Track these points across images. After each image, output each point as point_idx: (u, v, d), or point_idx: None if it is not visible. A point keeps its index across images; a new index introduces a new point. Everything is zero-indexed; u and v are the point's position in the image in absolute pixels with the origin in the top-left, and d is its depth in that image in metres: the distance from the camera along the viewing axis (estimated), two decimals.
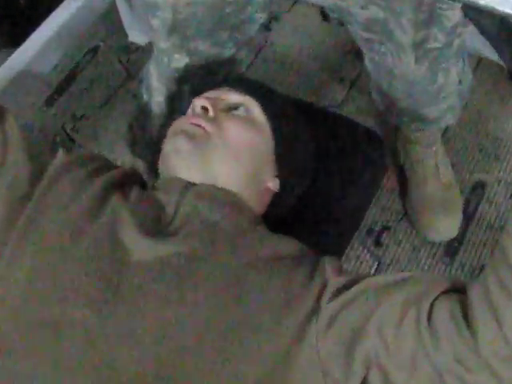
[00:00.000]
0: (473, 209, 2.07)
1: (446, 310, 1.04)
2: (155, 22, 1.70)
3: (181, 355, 1.10)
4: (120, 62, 2.43)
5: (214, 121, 1.31)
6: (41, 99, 2.30)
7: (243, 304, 1.14)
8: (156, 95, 1.90)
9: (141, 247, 1.19)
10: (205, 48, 1.65)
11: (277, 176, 1.38)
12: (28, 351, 1.11)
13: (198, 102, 1.34)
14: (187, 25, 1.64)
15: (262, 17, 1.64)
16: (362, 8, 1.57)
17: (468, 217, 2.05)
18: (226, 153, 1.31)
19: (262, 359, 1.11)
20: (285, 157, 1.39)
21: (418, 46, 1.62)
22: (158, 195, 1.30)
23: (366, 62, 1.85)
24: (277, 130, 1.38)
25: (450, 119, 1.93)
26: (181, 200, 1.27)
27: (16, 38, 1.97)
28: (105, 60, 2.44)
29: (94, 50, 2.45)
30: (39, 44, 1.95)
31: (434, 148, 2.05)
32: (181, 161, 1.31)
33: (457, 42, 1.67)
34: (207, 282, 1.16)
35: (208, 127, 1.30)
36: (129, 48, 2.46)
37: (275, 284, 1.17)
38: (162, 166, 1.38)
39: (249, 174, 1.34)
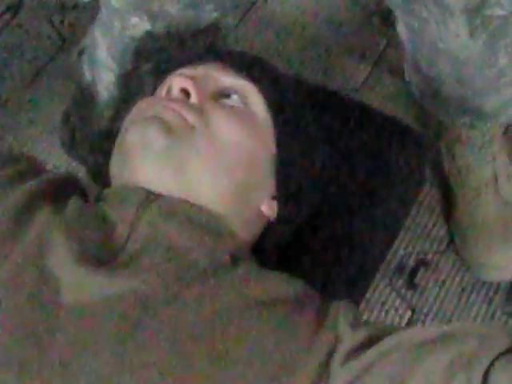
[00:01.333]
0: None
1: (507, 378, 1.02)
2: None
3: None
4: (51, 23, 2.36)
5: (198, 110, 1.28)
6: None
7: (220, 367, 1.12)
8: (104, 73, 1.86)
9: (78, 283, 1.16)
10: (174, 10, 1.62)
11: (275, 197, 1.35)
12: None
13: (178, 82, 1.31)
14: None
15: None
16: None
17: None
18: (211, 156, 1.29)
19: None
20: (290, 170, 1.37)
21: (473, 11, 1.58)
22: (105, 210, 1.27)
23: (401, 30, 1.80)
24: (282, 131, 1.36)
25: None
26: (139, 217, 1.24)
27: None
28: (30, 21, 2.37)
29: (16, 7, 2.39)
30: None
31: (492, 150, 1.97)
32: (149, 159, 1.27)
33: None
34: (170, 336, 1.13)
35: (191, 118, 1.26)
36: (64, 4, 2.39)
37: (266, 339, 1.14)
38: (114, 168, 1.35)
39: (238, 189, 1.31)
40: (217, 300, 1.17)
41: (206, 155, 1.27)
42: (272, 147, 1.34)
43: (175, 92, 1.30)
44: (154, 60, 1.78)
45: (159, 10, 1.67)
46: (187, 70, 1.35)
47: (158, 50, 1.74)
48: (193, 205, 1.27)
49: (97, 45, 1.85)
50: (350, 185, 1.49)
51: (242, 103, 1.34)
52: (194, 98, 1.29)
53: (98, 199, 1.34)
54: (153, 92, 1.42)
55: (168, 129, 1.24)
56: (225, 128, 1.29)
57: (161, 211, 1.24)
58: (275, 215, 1.33)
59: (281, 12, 2.25)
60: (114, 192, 1.33)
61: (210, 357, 1.13)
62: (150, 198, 1.25)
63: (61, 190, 1.31)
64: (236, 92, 1.35)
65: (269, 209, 1.33)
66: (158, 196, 1.26)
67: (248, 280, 1.22)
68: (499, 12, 1.59)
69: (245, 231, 1.31)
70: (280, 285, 1.23)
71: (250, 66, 1.42)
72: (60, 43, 2.31)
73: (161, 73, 1.66)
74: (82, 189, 1.39)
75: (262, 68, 1.45)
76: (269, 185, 1.33)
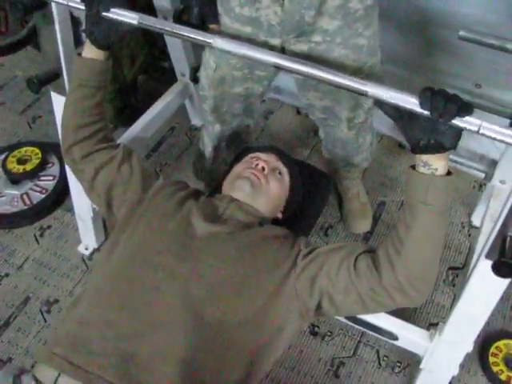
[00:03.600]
0: (378, 216, 2.03)
1: (364, 261, 1.11)
2: (205, 106, 1.68)
3: (224, 280, 1.12)
4: (186, 135, 2.37)
5: (266, 177, 1.33)
6: (143, 154, 2.26)
7: (256, 257, 1.18)
8: (207, 147, 1.85)
9: (202, 227, 1.21)
10: (236, 115, 1.64)
11: (282, 211, 1.40)
12: (138, 278, 1.12)
13: (261, 164, 1.35)
14: (221, 108, 1.63)
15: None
16: (320, 100, 1.55)
17: (375, 220, 2.01)
18: (265, 197, 1.32)
19: (265, 289, 1.13)
20: (290, 202, 1.40)
21: (350, 120, 1.60)
22: (215, 201, 1.32)
23: (320, 133, 1.84)
24: (292, 189, 1.40)
25: (364, 165, 1.90)
26: (227, 207, 1.28)
27: (131, 120, 1.92)
28: (178, 133, 2.37)
29: (173, 128, 2.38)
30: (143, 124, 1.92)
31: (357, 181, 2.00)
32: (242, 194, 1.31)
33: (369, 120, 1.66)
34: (237, 246, 1.19)
35: (262, 180, 1.32)
36: (191, 127, 2.38)
37: (273, 249, 1.20)
38: (226, 188, 1.37)
39: (273, 208, 1.35)
40: (255, 235, 1.22)
41: (264, 196, 1.31)
42: (287, 194, 1.38)
43: (259, 167, 1.33)
44: (226, 142, 1.77)
45: (229, 117, 1.67)
46: (262, 155, 1.40)
47: (227, 138, 1.74)
48: (249, 205, 1.29)
49: (204, 135, 1.84)
50: (303, 196, 1.48)
51: (281, 175, 1.37)
52: (266, 171, 1.33)
53: (211, 196, 1.37)
54: (240, 159, 1.43)
55: (252, 184, 1.30)
56: (274, 186, 1.33)
57: (237, 206, 1.28)
58: (281, 217, 1.38)
59: (274, 130, 2.26)
60: (220, 196, 1.34)
61: (252, 253, 1.17)
62: (232, 199, 1.29)
63: (196, 193, 1.34)
64: (280, 170, 1.37)
65: (279, 215, 1.38)
66: (236, 199, 1.29)
67: (266, 230, 1.27)
68: (360, 120, 1.60)
69: (270, 217, 1.34)
70: (279, 230, 1.28)
71: (286, 158, 1.42)
72: (190, 143, 2.30)
73: (233, 149, 1.78)
74: (202, 194, 1.38)
75: (290, 160, 1.44)
76: (281, 206, 1.38)
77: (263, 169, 1.33)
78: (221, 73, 1.52)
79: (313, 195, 1.57)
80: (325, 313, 1.18)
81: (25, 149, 2.17)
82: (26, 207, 2.02)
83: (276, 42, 1.37)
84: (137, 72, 2.24)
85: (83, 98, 1.30)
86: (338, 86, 1.03)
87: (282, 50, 1.38)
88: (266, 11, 1.31)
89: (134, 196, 1.29)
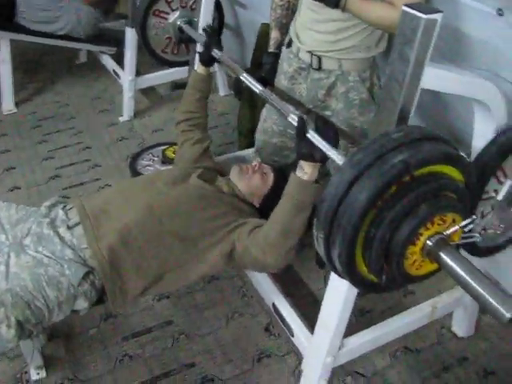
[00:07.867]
0: None
1: (256, 230, 1.44)
2: (255, 145, 2.01)
3: (183, 206, 1.48)
4: None
5: (254, 171, 1.67)
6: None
7: (212, 206, 1.51)
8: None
9: (194, 180, 1.60)
10: None
11: (259, 203, 1.66)
12: (143, 188, 1.55)
13: (257, 164, 1.70)
14: (263, 152, 1.92)
15: None
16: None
17: None
18: (247, 182, 1.65)
19: (205, 225, 1.45)
20: (267, 200, 1.66)
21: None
22: (219, 176, 1.71)
23: None
24: (272, 191, 1.66)
25: None
26: (221, 181, 1.67)
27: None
28: None
29: None
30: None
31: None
32: (233, 175, 1.67)
33: None
34: (204, 195, 1.55)
35: (250, 171, 1.68)
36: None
37: (228, 208, 1.52)
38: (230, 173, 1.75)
39: (248, 192, 1.65)
40: (223, 196, 1.55)
41: (246, 181, 1.62)
42: (266, 191, 1.63)
43: (253, 165, 1.66)
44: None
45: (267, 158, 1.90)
46: (257, 163, 1.71)
47: None
48: (233, 183, 1.62)
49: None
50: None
51: (266, 176, 1.65)
52: (256, 168, 1.66)
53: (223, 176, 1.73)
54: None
55: (241, 170, 1.65)
56: (256, 179, 1.62)
57: (226, 181, 1.63)
58: (258, 205, 1.64)
59: None
60: (226, 176, 1.71)
61: (210, 202, 1.50)
62: (227, 179, 1.65)
63: (219, 171, 1.73)
64: (267, 174, 1.66)
65: (256, 203, 1.63)
66: (229, 180, 1.64)
67: (234, 200, 1.56)
68: (327, 113, 1.73)
69: (246, 199, 1.59)
70: (244, 206, 1.58)
71: (279, 173, 1.69)
72: None
73: None
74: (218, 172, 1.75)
75: (281, 175, 1.66)
76: (259, 198, 1.64)
77: (255, 166, 1.69)
78: (266, 125, 1.91)
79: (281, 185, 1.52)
80: (236, 260, 1.46)
81: None
82: None
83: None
84: None
85: (189, 94, 1.91)
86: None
87: (308, 112, 1.75)
88: (299, 86, 1.74)
89: (188, 161, 1.76)
